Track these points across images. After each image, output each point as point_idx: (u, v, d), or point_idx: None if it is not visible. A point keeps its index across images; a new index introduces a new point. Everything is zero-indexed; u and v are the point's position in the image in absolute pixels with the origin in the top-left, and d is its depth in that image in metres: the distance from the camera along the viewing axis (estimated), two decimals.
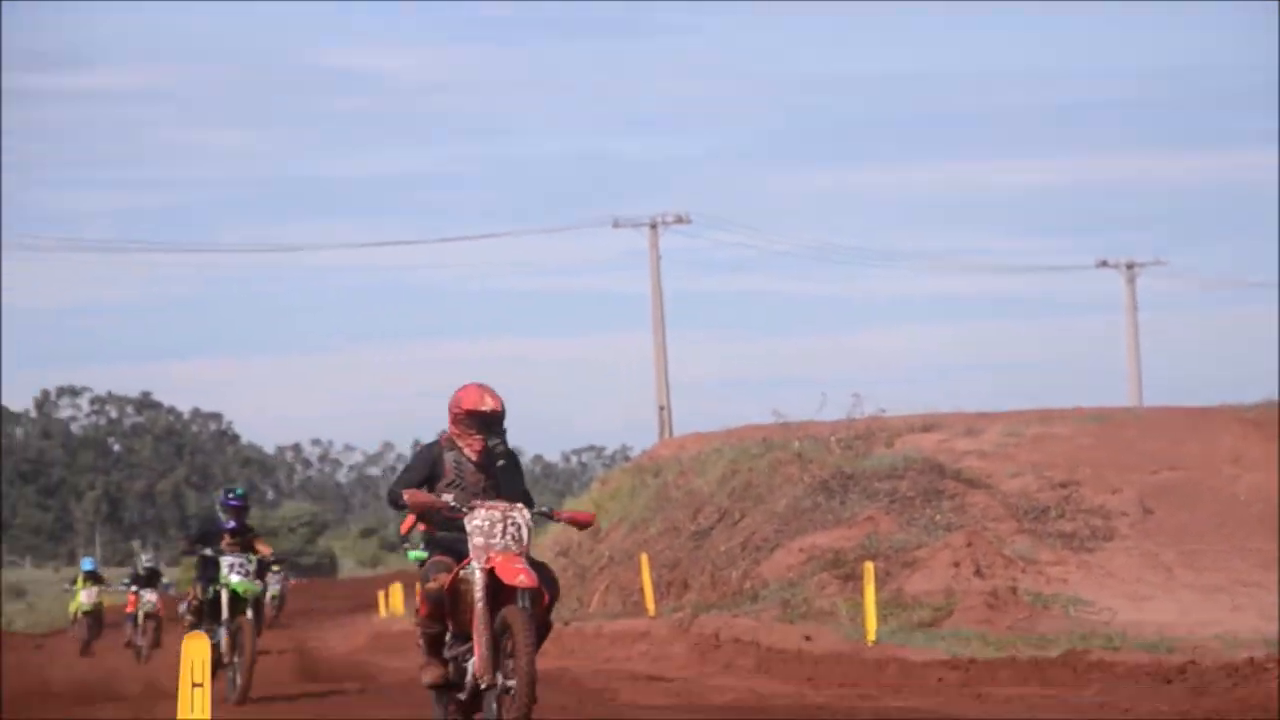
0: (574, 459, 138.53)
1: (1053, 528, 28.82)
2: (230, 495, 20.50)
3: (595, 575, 34.16)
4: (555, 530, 39.94)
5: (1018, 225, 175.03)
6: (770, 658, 21.01)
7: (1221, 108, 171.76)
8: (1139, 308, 68.56)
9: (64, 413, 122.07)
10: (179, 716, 7.98)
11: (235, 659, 19.49)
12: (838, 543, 28.15)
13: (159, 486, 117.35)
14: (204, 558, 19.97)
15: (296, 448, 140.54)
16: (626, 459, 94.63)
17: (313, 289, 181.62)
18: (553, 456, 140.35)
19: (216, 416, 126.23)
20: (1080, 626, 22.99)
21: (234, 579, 19.75)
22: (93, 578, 38.67)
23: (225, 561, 19.80)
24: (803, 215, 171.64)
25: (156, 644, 32.05)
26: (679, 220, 57.94)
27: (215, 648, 18.87)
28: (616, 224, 58.31)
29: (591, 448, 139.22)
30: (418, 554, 16.11)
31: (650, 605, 28.98)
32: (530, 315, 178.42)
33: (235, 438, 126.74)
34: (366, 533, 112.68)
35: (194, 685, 8.09)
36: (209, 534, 20.32)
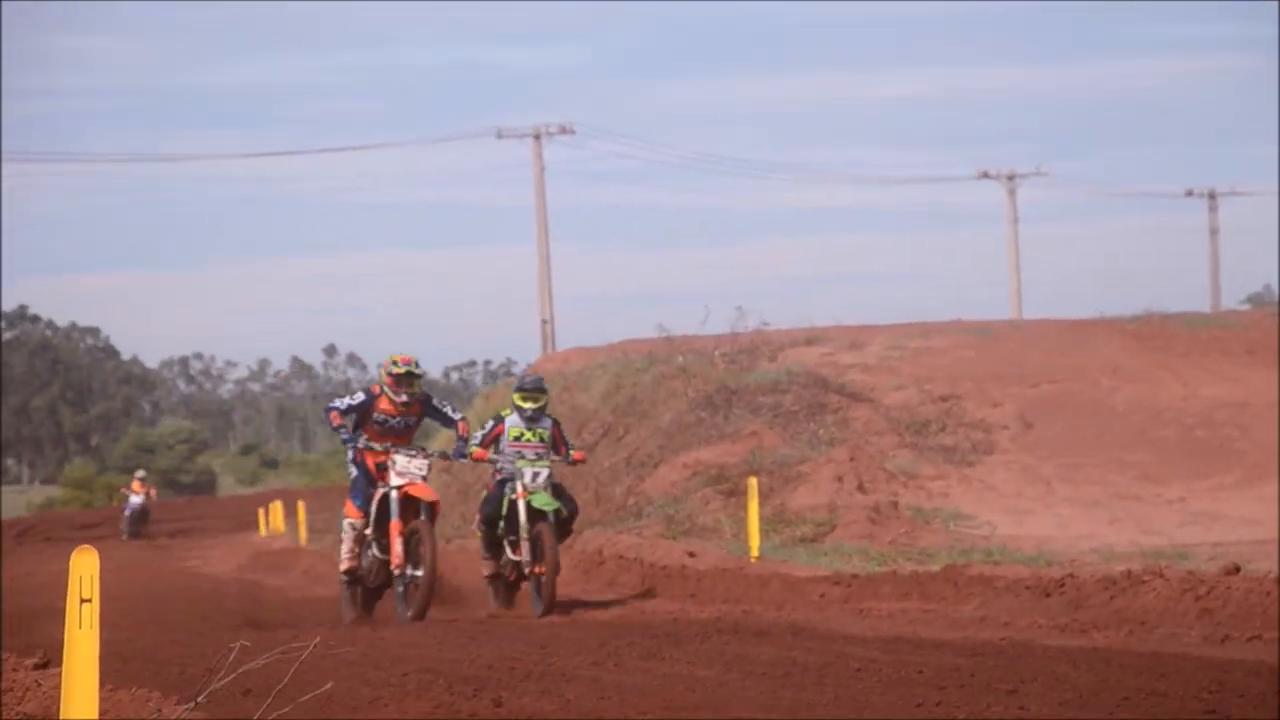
0: (454, 375, 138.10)
1: (934, 442, 29.03)
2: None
3: (479, 491, 34.01)
4: (437, 447, 39.69)
5: (899, 136, 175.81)
6: (654, 574, 21.03)
7: (1104, 16, 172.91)
8: (1020, 219, 69.17)
9: None
10: (67, 631, 7.82)
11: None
12: (721, 458, 28.19)
13: (34, 403, 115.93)
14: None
15: (184, 363, 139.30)
16: (509, 374, 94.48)
17: (193, 201, 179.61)
18: (435, 372, 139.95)
19: (94, 331, 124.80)
20: (961, 541, 23.18)
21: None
22: None
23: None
24: (684, 126, 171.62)
25: None
26: (563, 131, 57.62)
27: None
28: (500, 135, 57.90)
29: (473, 363, 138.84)
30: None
31: None
32: (413, 227, 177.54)
33: (115, 353, 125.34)
34: (247, 449, 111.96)
35: (82, 600, 7.92)
36: None
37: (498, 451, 18.52)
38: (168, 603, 23.67)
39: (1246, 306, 66.33)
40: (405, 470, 17.57)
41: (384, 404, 17.84)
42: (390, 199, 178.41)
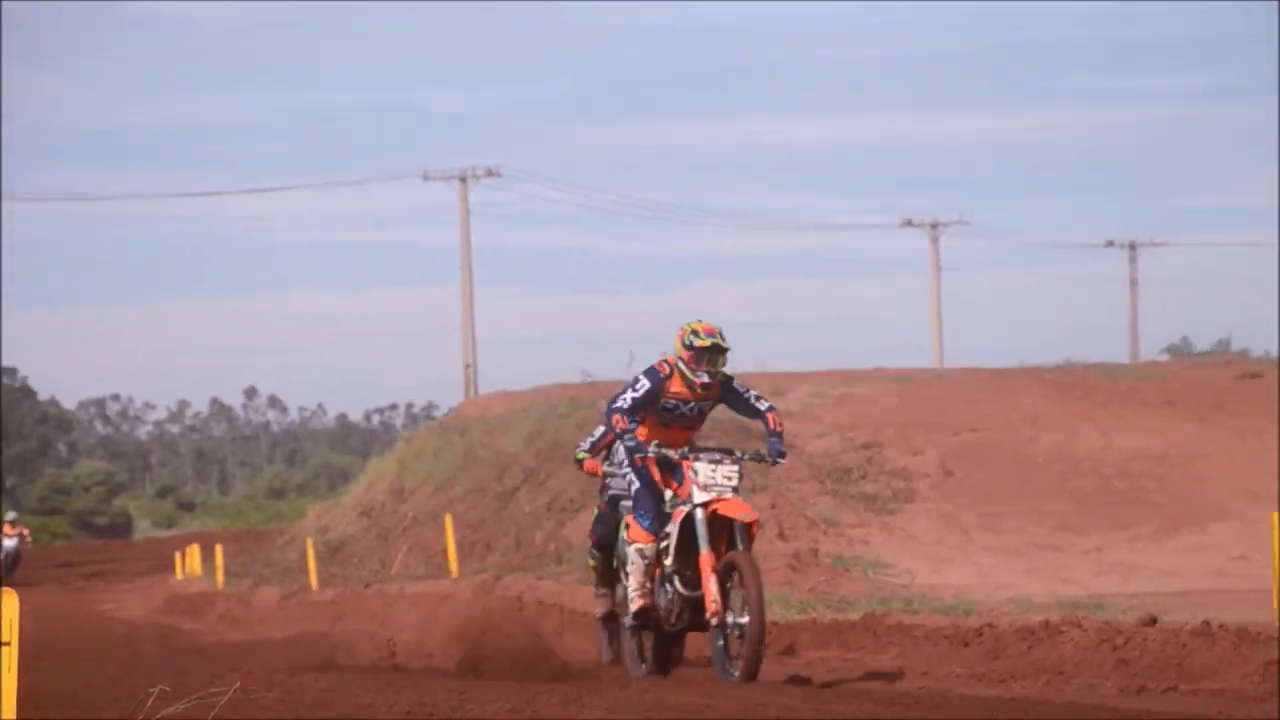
0: (375, 418, 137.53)
1: (855, 489, 29.09)
2: None
3: (398, 536, 33.91)
4: (358, 491, 39.59)
5: (826, 183, 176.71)
6: (574, 620, 20.95)
7: (1029, 67, 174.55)
8: (942, 268, 69.61)
9: None
10: None
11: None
12: None
13: None
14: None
15: (101, 404, 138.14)
16: (431, 418, 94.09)
17: (112, 240, 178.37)
18: (355, 415, 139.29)
19: (10, 371, 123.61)
20: (880, 589, 23.22)
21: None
22: None
23: None
24: (611, 170, 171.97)
25: None
26: (489, 174, 57.66)
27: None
28: (426, 176, 57.90)
29: (395, 405, 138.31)
30: None
31: (454, 567, 28.80)
32: (336, 268, 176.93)
33: (32, 393, 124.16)
34: (164, 492, 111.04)
35: (1, 644, 7.82)
36: None
37: (609, 463, 15.43)
38: (81, 646, 23.42)
39: (1165, 358, 66.95)
40: (710, 482, 13.74)
41: (676, 385, 14.06)
42: (314, 239, 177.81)
